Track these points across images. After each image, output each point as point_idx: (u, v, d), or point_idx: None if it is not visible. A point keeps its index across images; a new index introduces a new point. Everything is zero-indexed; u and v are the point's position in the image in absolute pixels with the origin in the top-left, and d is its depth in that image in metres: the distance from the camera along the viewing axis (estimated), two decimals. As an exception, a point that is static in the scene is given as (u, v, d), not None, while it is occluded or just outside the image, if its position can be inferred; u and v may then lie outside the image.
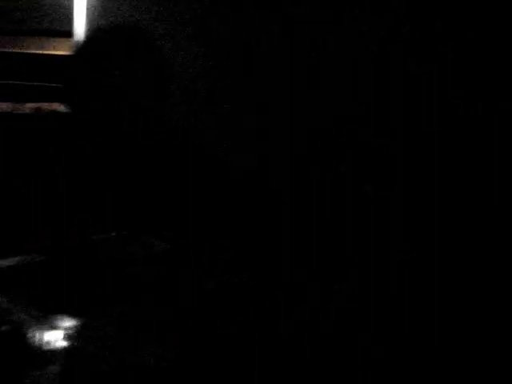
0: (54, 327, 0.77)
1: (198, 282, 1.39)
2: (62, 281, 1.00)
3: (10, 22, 8.56)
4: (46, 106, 10.47)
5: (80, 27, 4.12)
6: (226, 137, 2.26)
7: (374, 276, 2.28)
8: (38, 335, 0.74)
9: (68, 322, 0.77)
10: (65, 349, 0.75)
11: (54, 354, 0.75)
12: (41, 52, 9.29)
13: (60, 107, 11.10)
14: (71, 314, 0.81)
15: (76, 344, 0.78)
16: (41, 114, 10.42)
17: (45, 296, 0.89)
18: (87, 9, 3.12)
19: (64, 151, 1.67)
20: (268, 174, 2.21)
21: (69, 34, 6.73)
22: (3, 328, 0.74)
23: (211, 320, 1.20)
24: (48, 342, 0.75)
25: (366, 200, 2.27)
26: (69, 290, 0.94)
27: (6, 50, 9.24)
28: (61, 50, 8.62)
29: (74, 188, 1.57)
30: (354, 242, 2.28)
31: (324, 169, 2.25)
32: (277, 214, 1.91)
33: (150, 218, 1.51)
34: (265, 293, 1.50)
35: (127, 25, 1.69)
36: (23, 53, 9.40)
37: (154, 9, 2.27)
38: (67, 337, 0.75)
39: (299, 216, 2.00)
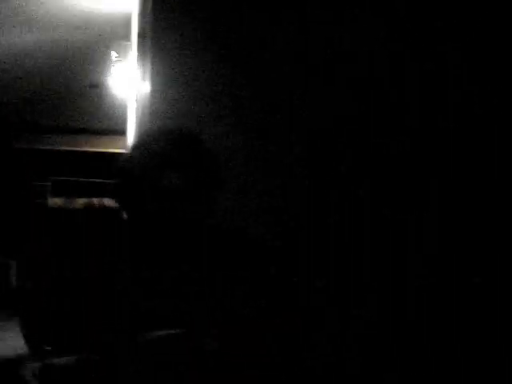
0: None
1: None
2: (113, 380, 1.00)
3: (65, 122, 8.99)
4: (96, 201, 10.73)
5: (132, 127, 4.30)
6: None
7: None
8: None
9: None
10: None
11: None
12: (94, 150, 9.66)
13: (110, 202, 11.29)
14: None
15: None
16: (91, 209, 10.66)
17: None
18: (139, 111, 3.29)
19: (111, 246, 1.71)
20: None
21: (122, 132, 7.02)
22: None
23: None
24: None
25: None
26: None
27: (61, 148, 9.63)
28: (114, 147, 8.96)
29: (122, 283, 1.60)
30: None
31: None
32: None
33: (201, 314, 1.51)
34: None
35: (176, 127, 1.77)
36: (78, 151, 9.78)
37: (198, 112, 2.36)
38: None
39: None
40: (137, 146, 1.75)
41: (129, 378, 1.00)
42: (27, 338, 1.65)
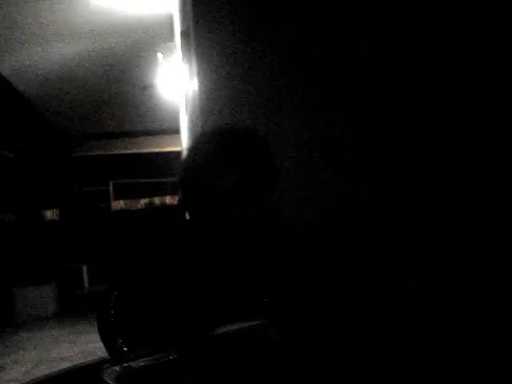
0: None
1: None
2: (193, 379, 1.02)
3: (120, 126, 9.16)
4: (157, 199, 10.90)
5: (185, 125, 4.36)
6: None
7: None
8: None
9: None
10: None
11: None
12: (151, 150, 9.82)
13: (170, 200, 11.41)
14: None
15: None
16: (152, 208, 10.82)
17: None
18: (190, 109, 3.33)
19: (176, 244, 1.75)
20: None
21: (176, 131, 7.12)
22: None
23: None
24: None
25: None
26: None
27: (118, 152, 9.84)
28: (169, 146, 9.09)
29: (190, 280, 1.63)
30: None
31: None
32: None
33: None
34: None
35: (230, 125, 1.77)
36: (135, 153, 9.96)
37: (247, 107, 2.36)
38: None
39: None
40: (194, 145, 1.77)
41: (207, 372, 1.03)
42: (105, 341, 1.71)
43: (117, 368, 1.01)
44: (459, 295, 2.18)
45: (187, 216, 1.84)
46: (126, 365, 1.02)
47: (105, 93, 7.29)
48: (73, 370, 1.25)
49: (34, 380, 1.16)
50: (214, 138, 1.70)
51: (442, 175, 2.27)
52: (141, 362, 1.02)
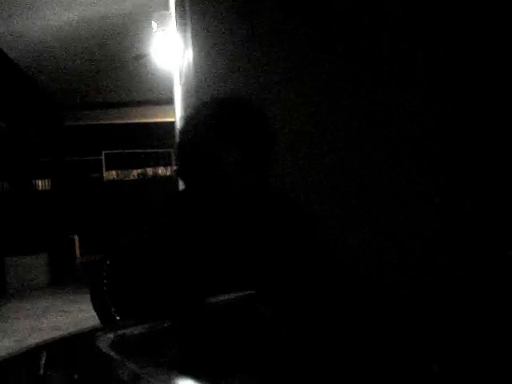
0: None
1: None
2: (188, 345, 1.03)
3: (113, 96, 9.09)
4: (149, 170, 10.86)
5: (179, 95, 4.33)
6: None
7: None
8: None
9: None
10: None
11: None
12: (144, 121, 9.77)
13: (163, 171, 11.33)
14: (198, 378, 0.84)
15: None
16: (145, 179, 10.79)
17: (171, 361, 0.92)
18: (184, 79, 3.30)
19: (170, 214, 1.74)
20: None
21: (170, 101, 7.08)
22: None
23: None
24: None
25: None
26: (194, 354, 0.97)
27: (111, 122, 9.78)
28: (162, 117, 9.05)
29: (183, 251, 1.63)
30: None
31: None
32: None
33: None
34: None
35: (226, 94, 1.76)
36: (128, 123, 9.91)
37: (243, 77, 2.34)
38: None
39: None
40: (192, 114, 1.76)
41: (199, 342, 1.04)
42: (97, 310, 1.71)
43: (111, 335, 1.02)
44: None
45: (181, 187, 1.84)
46: (119, 332, 1.03)
47: (98, 62, 7.21)
48: (66, 337, 1.25)
49: (26, 348, 1.16)
50: (212, 107, 1.69)
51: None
52: (134, 330, 1.02)
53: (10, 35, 6.10)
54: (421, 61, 2.33)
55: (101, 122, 9.85)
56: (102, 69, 7.53)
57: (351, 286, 1.97)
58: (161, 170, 10.28)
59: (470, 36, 2.31)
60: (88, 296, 1.76)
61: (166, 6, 4.94)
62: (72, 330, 1.42)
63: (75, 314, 6.08)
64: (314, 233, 1.77)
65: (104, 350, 0.92)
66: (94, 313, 1.74)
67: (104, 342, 0.97)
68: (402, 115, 2.33)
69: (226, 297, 1.20)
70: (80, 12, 5.60)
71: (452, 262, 2.23)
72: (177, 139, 1.76)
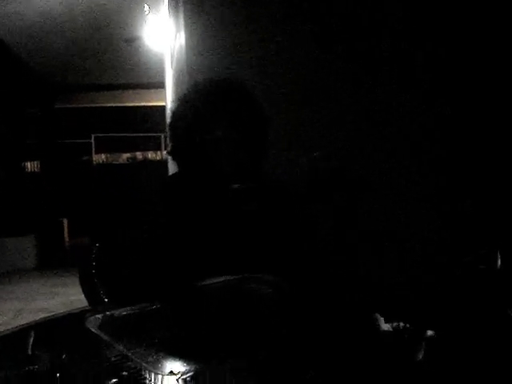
0: (170, 373, 0.80)
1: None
2: (175, 327, 1.03)
3: (103, 79, 9.03)
4: (139, 154, 10.82)
5: (170, 79, 4.31)
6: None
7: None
8: (154, 380, 0.78)
9: (183, 368, 0.80)
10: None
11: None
12: (135, 104, 9.71)
13: (152, 155, 11.30)
14: (186, 359, 0.85)
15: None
16: (135, 163, 10.75)
17: (159, 342, 0.93)
18: (175, 63, 3.29)
19: (160, 197, 1.74)
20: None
21: (160, 85, 7.03)
22: (123, 373, 0.80)
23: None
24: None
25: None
26: (181, 334, 0.98)
27: (101, 105, 9.72)
28: (153, 101, 9.00)
29: (174, 235, 1.64)
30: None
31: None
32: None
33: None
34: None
35: (222, 78, 1.76)
36: (118, 106, 9.84)
37: (236, 61, 2.34)
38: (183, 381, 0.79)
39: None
40: (185, 97, 1.76)
41: (189, 324, 1.04)
42: (86, 293, 1.71)
43: (99, 316, 1.02)
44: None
45: (171, 171, 1.84)
46: (108, 313, 1.03)
47: (89, 43, 7.15)
48: (55, 318, 1.26)
49: (14, 328, 1.16)
50: (203, 87, 1.70)
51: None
52: (123, 311, 1.03)
53: (1, 16, 6.04)
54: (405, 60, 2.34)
55: (91, 104, 9.78)
56: (93, 51, 7.47)
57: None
58: (150, 155, 10.24)
59: (469, 36, 2.32)
60: (76, 279, 1.77)
61: (159, -11, 4.91)
62: (60, 311, 1.43)
63: (63, 297, 6.08)
64: (302, 220, 1.78)
65: (93, 331, 0.93)
66: (82, 295, 1.74)
67: (93, 322, 0.98)
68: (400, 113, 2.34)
69: (220, 279, 1.21)
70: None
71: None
72: (169, 120, 1.76)
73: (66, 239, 9.34)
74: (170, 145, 1.77)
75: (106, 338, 0.92)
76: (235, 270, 1.33)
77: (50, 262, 7.93)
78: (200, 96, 1.69)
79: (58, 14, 6.02)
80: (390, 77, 2.32)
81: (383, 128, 2.33)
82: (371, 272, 2.23)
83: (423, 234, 2.31)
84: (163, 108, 6.91)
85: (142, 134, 10.08)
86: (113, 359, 0.89)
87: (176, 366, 0.87)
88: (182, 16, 2.53)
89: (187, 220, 1.62)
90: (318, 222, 1.87)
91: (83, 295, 1.74)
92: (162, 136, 9.86)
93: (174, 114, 1.73)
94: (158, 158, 10.27)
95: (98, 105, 9.87)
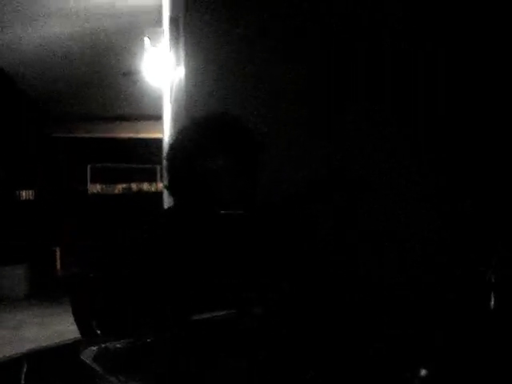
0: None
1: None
2: (169, 361, 1.03)
3: (101, 110, 9.08)
4: (134, 185, 10.82)
5: (168, 112, 4.34)
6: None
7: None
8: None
9: None
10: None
11: None
12: (130, 136, 9.74)
13: (147, 187, 11.30)
14: None
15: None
16: (130, 193, 10.72)
17: (156, 375, 0.92)
18: (174, 96, 3.32)
19: (155, 230, 1.75)
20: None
21: (158, 117, 7.08)
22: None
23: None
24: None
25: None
26: (176, 369, 0.97)
27: (98, 135, 9.75)
28: (149, 133, 9.04)
29: (170, 267, 1.64)
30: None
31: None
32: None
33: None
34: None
35: (216, 114, 1.80)
36: (114, 137, 9.87)
37: (236, 95, 2.37)
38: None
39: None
40: (184, 131, 1.79)
41: (184, 358, 1.04)
42: (78, 324, 1.70)
43: (94, 348, 1.01)
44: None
45: (166, 204, 1.85)
46: (103, 345, 1.03)
47: (88, 75, 7.20)
48: (47, 348, 1.24)
49: (7, 357, 1.15)
50: (200, 120, 1.74)
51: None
52: (117, 344, 1.02)
53: (1, 45, 6.09)
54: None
55: (87, 134, 9.82)
56: (90, 82, 7.52)
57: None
58: (145, 186, 10.25)
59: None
60: (66, 309, 1.75)
61: (160, 23, 4.97)
62: (49, 342, 1.41)
63: (52, 327, 6.01)
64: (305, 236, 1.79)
65: (88, 363, 0.92)
66: (72, 327, 1.73)
67: (87, 354, 0.97)
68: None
69: (213, 314, 1.21)
70: (73, 25, 5.61)
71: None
72: (167, 151, 1.78)
73: (59, 269, 9.27)
74: (167, 176, 1.78)
75: (100, 370, 0.91)
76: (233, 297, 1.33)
77: (41, 292, 7.86)
78: (196, 129, 1.73)
79: (59, 44, 6.06)
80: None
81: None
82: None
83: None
84: (160, 140, 6.94)
85: (137, 166, 10.11)
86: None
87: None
88: (181, 50, 2.56)
89: (189, 248, 1.63)
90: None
91: (73, 326, 1.72)
92: (158, 168, 9.89)
93: (174, 144, 1.75)
94: (152, 190, 10.27)
95: (95, 135, 9.91)
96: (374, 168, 2.35)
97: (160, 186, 9.47)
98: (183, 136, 1.76)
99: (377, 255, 2.25)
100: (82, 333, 1.70)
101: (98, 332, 1.58)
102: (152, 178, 10.21)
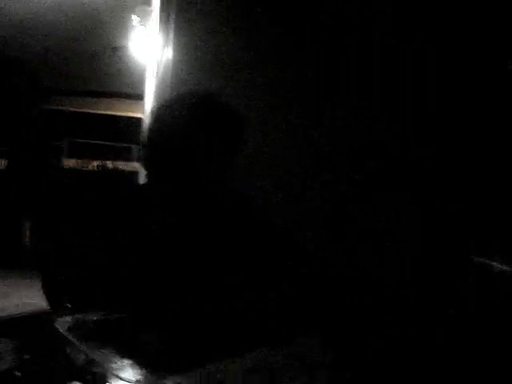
0: (133, 375, 0.80)
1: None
2: (140, 333, 1.03)
3: (83, 85, 8.98)
4: (109, 163, 10.75)
5: (151, 92, 4.31)
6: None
7: None
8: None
9: (138, 374, 0.80)
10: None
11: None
12: (111, 113, 9.65)
13: (123, 165, 11.24)
14: (144, 366, 0.84)
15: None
16: (104, 171, 10.66)
17: (125, 347, 0.92)
18: (160, 76, 3.29)
19: (126, 209, 1.74)
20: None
21: (140, 97, 7.02)
22: (88, 377, 0.79)
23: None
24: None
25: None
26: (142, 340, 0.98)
27: (78, 110, 9.64)
28: (131, 111, 8.97)
29: (139, 246, 1.63)
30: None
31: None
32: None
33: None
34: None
35: (198, 92, 1.80)
36: (94, 113, 9.77)
37: (223, 78, 2.37)
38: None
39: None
40: (162, 111, 1.78)
41: (154, 333, 1.05)
42: (48, 297, 1.69)
43: (68, 319, 1.01)
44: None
45: (140, 181, 1.86)
46: (78, 316, 1.03)
47: (73, 47, 7.12)
48: (15, 317, 1.24)
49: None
50: (187, 101, 1.74)
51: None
52: (93, 316, 1.03)
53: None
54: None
55: (67, 108, 9.71)
56: (75, 56, 7.43)
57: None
58: (120, 164, 10.17)
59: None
60: (33, 281, 1.74)
61: (149, 2, 4.93)
62: (14, 313, 1.40)
63: (17, 299, 5.95)
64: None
65: (62, 332, 0.92)
66: (37, 299, 1.72)
67: (62, 324, 0.97)
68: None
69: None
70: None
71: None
72: (150, 126, 1.78)
73: (27, 240, 9.17)
74: (145, 150, 1.78)
75: (74, 340, 0.91)
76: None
77: (7, 263, 7.77)
78: (183, 104, 1.73)
79: (46, 13, 5.99)
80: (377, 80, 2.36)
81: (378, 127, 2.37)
82: (371, 272, 2.26)
83: (423, 234, 2.34)
84: (138, 119, 6.90)
85: (115, 144, 10.02)
86: (78, 362, 0.88)
87: (139, 373, 0.88)
88: (171, 30, 2.54)
89: (169, 226, 1.63)
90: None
91: (37, 299, 1.71)
92: (134, 147, 9.82)
93: (156, 118, 1.75)
94: (128, 169, 10.21)
95: (74, 109, 9.80)
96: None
97: (136, 165, 9.41)
98: (166, 111, 1.76)
99: (377, 255, 2.27)
100: (51, 306, 1.70)
101: (69, 306, 1.57)
102: (127, 157, 10.14)
